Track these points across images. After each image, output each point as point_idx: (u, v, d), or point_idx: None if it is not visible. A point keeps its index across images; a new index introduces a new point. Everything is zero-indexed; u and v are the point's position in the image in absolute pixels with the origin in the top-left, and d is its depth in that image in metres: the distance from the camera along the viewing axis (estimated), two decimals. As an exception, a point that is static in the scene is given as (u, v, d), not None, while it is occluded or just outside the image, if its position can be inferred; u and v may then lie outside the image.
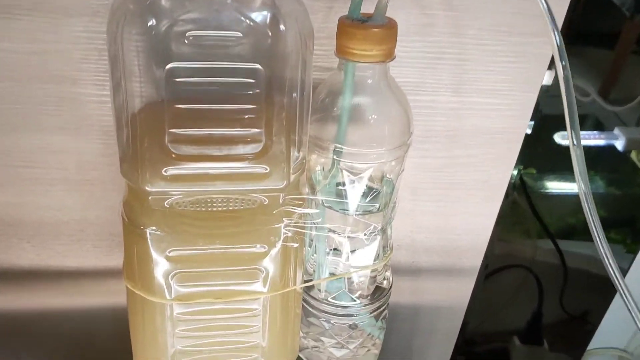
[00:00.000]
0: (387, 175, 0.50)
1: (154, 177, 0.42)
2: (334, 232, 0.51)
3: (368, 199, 0.50)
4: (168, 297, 0.47)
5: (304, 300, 0.56)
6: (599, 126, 1.03)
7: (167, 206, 0.44)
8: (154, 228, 0.44)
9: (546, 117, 0.92)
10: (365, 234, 0.51)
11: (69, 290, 0.66)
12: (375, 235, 0.52)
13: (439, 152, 0.61)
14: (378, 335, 0.59)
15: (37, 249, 0.62)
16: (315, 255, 0.53)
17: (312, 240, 0.53)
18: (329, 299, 0.54)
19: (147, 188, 0.43)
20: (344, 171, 0.48)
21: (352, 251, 0.52)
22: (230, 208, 0.45)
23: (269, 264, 0.47)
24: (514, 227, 1.03)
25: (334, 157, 0.47)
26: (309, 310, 0.56)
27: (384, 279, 0.56)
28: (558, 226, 1.06)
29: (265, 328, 0.50)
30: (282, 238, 0.47)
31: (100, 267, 0.65)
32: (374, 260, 0.53)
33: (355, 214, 0.50)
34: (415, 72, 0.55)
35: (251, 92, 0.41)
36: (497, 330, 1.06)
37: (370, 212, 0.51)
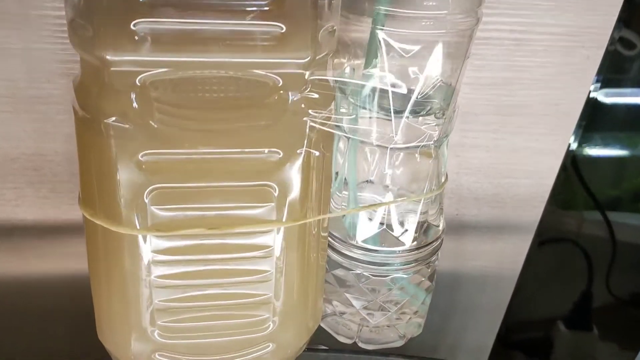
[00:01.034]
0: (446, 66, 0.36)
1: (117, 36, 0.28)
2: (370, 144, 0.37)
3: (419, 97, 0.36)
4: (140, 226, 0.33)
5: (329, 247, 0.42)
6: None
7: (138, 85, 0.30)
8: (117, 119, 0.30)
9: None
10: (414, 147, 0.37)
11: (21, 253, 0.52)
12: (428, 150, 0.38)
13: (498, 61, 0.47)
14: (424, 299, 0.45)
15: (-20, 196, 0.49)
16: (343, 192, 0.40)
17: (336, 173, 0.40)
18: (362, 242, 0.40)
19: (106, 56, 0.29)
20: (385, 51, 0.34)
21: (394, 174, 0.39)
22: (231, 94, 0.31)
23: (285, 180, 0.33)
24: (557, 196, 0.89)
25: (374, 26, 0.34)
26: (335, 262, 0.42)
27: (436, 224, 0.42)
28: (606, 196, 0.92)
29: (280, 278, 0.36)
30: (305, 141, 0.33)
31: (63, 220, 0.50)
32: (425, 190, 0.39)
33: (403, 117, 0.36)
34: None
35: None
36: (540, 312, 0.91)
37: (421, 114, 0.37)
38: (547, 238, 0.80)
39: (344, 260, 0.41)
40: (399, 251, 0.40)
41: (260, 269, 0.35)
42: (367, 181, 0.40)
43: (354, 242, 0.40)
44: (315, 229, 0.37)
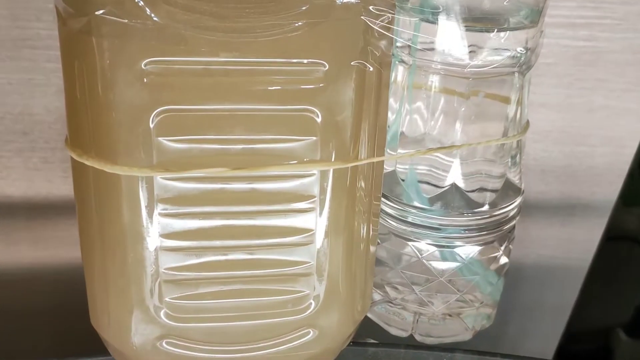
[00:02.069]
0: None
1: None
2: (436, 71, 0.29)
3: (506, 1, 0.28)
4: (143, 164, 0.25)
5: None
6: None
7: (138, -36, 0.22)
8: (110, 10, 0.23)
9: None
10: (496, 72, 0.29)
11: (7, 237, 0.44)
12: (511, 77, 0.30)
13: (576, -5, 0.39)
14: (496, 282, 0.36)
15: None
16: (398, 150, 0.31)
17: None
18: (422, 203, 0.32)
19: None
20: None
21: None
22: (261, -15, 0.23)
23: (331, 103, 0.25)
24: None
25: None
26: (387, 229, 0.34)
27: (516, 183, 0.34)
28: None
29: (324, 241, 0.28)
30: (359, 49, 0.25)
31: (57, 197, 0.43)
32: (503, 133, 0.31)
33: (481, 29, 0.28)
34: None
35: None
36: (599, 317, 0.82)
37: (505, 26, 0.29)
38: (617, 232, 0.71)
39: (399, 226, 0.33)
40: (469, 213, 0.32)
41: (298, 227, 0.27)
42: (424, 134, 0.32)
43: (412, 204, 0.32)
44: (369, 181, 0.28)
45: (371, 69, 0.25)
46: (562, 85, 0.43)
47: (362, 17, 0.24)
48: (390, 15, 0.25)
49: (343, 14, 0.24)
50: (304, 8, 0.24)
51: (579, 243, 0.51)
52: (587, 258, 0.53)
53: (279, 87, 0.24)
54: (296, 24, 0.24)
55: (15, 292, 0.46)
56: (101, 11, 0.23)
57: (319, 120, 0.25)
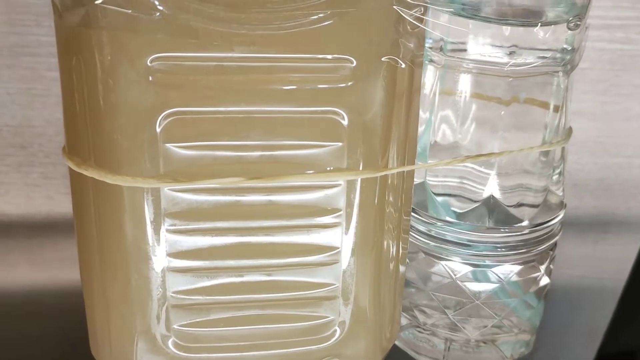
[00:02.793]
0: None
1: None
2: (469, 70, 0.27)
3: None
4: (149, 173, 0.22)
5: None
6: None
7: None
8: (115, -2, 0.20)
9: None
10: (538, 71, 0.26)
11: (4, 257, 0.41)
12: (554, 78, 0.27)
13: (612, -6, 0.37)
14: (536, 305, 0.33)
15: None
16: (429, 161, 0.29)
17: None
18: (456, 217, 0.29)
19: None
20: None
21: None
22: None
23: (359, 103, 0.22)
24: None
25: None
26: (416, 247, 0.31)
27: (558, 196, 0.31)
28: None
29: (351, 261, 0.25)
30: (390, 43, 0.22)
31: (57, 214, 0.40)
32: (543, 141, 0.28)
33: (522, 23, 0.25)
34: None
35: None
36: (633, 340, 0.78)
37: (547, 20, 0.26)
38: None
39: (429, 243, 0.30)
40: (507, 230, 0.29)
41: (322, 245, 0.24)
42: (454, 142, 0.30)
43: (444, 218, 0.29)
44: (398, 193, 0.26)
45: (403, 65, 0.23)
46: (596, 92, 0.40)
47: (394, 6, 0.21)
48: (423, 6, 0.23)
49: (373, 3, 0.21)
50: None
51: (612, 262, 0.48)
52: (621, 278, 0.49)
53: (301, 86, 0.22)
54: (320, 15, 0.21)
55: (12, 317, 0.43)
56: (100, 0, 0.20)
57: (345, 123, 0.23)
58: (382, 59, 0.22)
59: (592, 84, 0.39)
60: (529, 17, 0.26)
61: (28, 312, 0.43)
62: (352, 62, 0.22)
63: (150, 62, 0.21)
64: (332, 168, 0.23)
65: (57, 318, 0.42)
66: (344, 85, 0.22)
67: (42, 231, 0.40)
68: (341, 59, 0.22)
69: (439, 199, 0.30)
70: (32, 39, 0.34)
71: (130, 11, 0.20)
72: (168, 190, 0.22)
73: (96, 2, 0.20)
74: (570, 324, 0.52)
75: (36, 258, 0.42)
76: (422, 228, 0.30)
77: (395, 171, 0.24)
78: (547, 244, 0.31)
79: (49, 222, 0.40)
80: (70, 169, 0.24)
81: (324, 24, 0.21)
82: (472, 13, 0.26)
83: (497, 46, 0.26)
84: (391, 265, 0.27)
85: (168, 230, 0.23)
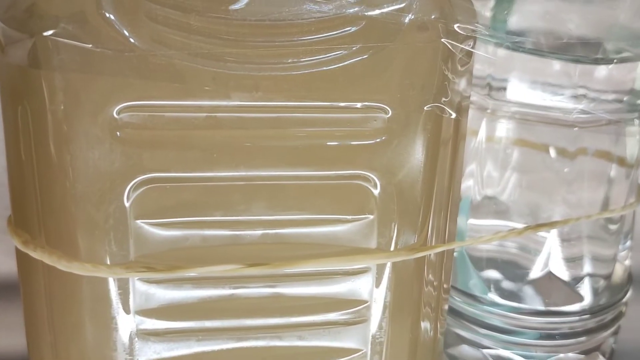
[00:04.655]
0: None
1: None
2: (522, 118, 0.21)
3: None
4: (116, 260, 0.16)
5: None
6: None
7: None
8: (65, 28, 0.15)
9: None
10: (612, 120, 0.21)
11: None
12: (631, 120, 0.22)
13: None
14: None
15: None
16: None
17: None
18: (504, 297, 0.23)
19: None
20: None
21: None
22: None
23: (395, 165, 0.17)
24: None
25: None
26: (454, 336, 0.25)
27: (624, 270, 0.25)
28: None
29: (376, 362, 0.19)
30: (434, 87, 0.17)
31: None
32: (604, 205, 0.23)
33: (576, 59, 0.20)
34: None
35: None
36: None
37: (615, 57, 0.21)
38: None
39: (471, 328, 0.24)
40: (565, 312, 0.23)
41: (343, 348, 0.18)
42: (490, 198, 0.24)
43: (487, 296, 0.23)
44: (438, 270, 0.20)
45: (452, 115, 0.17)
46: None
47: (442, 39, 0.16)
48: (474, 39, 0.18)
49: (415, 36, 0.16)
50: (356, 28, 0.16)
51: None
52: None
53: (319, 144, 0.16)
54: (347, 51, 0.16)
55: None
56: (51, 31, 0.15)
57: (376, 191, 0.17)
58: (425, 108, 0.17)
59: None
60: (600, 54, 0.21)
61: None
62: (386, 112, 0.17)
63: (118, 112, 0.15)
64: (357, 248, 0.18)
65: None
66: (375, 141, 0.17)
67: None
68: (373, 107, 0.16)
69: (480, 271, 0.24)
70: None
71: (90, 46, 0.15)
72: (140, 282, 0.17)
73: (45, 33, 0.15)
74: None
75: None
76: (458, 308, 0.25)
77: (440, 249, 0.19)
78: (612, 328, 0.25)
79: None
80: (16, 250, 0.18)
81: (351, 61, 0.16)
82: (530, 47, 0.20)
83: (560, 87, 0.21)
84: (430, 350, 0.21)
85: (140, 333, 0.17)
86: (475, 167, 0.23)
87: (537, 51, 0.21)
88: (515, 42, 0.21)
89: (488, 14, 0.22)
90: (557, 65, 0.21)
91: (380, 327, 0.18)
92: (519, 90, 0.22)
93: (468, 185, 0.24)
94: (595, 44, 0.22)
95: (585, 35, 0.22)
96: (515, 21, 0.22)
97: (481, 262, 0.24)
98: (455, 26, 0.16)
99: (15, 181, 0.18)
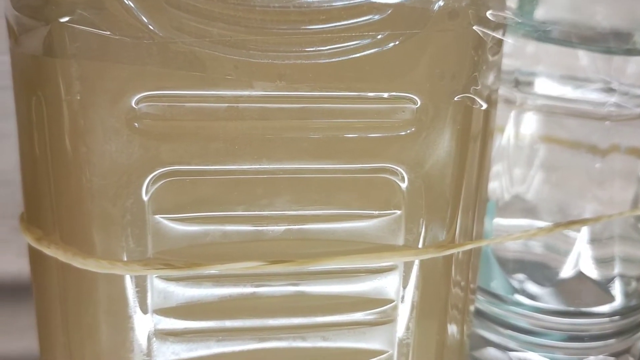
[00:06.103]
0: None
1: None
2: (555, 113, 0.21)
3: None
4: (133, 257, 0.16)
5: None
6: None
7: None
8: (83, 14, 0.14)
9: None
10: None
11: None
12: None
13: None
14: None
15: None
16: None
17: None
18: (531, 298, 0.23)
19: None
20: None
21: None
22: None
23: (423, 157, 0.16)
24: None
25: None
26: (479, 338, 0.24)
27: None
28: None
29: (401, 365, 0.18)
30: (466, 77, 0.16)
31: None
32: (634, 204, 0.22)
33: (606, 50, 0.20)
34: None
35: None
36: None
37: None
38: None
39: (496, 329, 0.23)
40: (595, 313, 0.23)
41: (369, 349, 0.18)
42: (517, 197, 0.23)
43: (514, 297, 0.23)
44: (466, 270, 0.19)
45: (484, 106, 0.17)
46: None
47: (474, 27, 0.16)
48: (504, 26, 0.17)
49: (446, 23, 0.15)
50: (383, 15, 0.15)
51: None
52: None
53: (345, 135, 0.16)
54: (374, 39, 0.15)
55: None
56: (67, 18, 0.14)
57: (404, 185, 0.16)
58: (456, 99, 0.16)
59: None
60: (630, 45, 0.20)
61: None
62: (415, 103, 0.16)
63: (136, 103, 0.15)
64: (385, 245, 0.17)
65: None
66: (403, 133, 0.16)
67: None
68: (401, 98, 0.16)
69: (507, 272, 0.23)
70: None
71: (108, 33, 0.14)
72: (158, 280, 0.16)
73: (61, 19, 0.14)
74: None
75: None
76: (483, 309, 0.24)
77: (470, 247, 0.18)
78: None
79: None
80: (29, 248, 0.18)
81: (379, 49, 0.15)
82: (560, 37, 0.20)
83: (589, 80, 0.20)
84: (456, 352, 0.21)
85: (158, 333, 0.17)
86: (502, 165, 0.22)
87: (566, 42, 0.20)
88: (545, 31, 0.20)
89: (514, 4, 0.22)
90: (586, 57, 0.20)
91: (407, 328, 0.18)
92: (547, 84, 0.21)
93: (493, 186, 0.23)
94: (626, 34, 0.21)
95: (616, 26, 0.21)
96: (542, 12, 0.21)
97: (508, 263, 0.23)
98: (488, 13, 0.16)
99: (28, 176, 0.17)
